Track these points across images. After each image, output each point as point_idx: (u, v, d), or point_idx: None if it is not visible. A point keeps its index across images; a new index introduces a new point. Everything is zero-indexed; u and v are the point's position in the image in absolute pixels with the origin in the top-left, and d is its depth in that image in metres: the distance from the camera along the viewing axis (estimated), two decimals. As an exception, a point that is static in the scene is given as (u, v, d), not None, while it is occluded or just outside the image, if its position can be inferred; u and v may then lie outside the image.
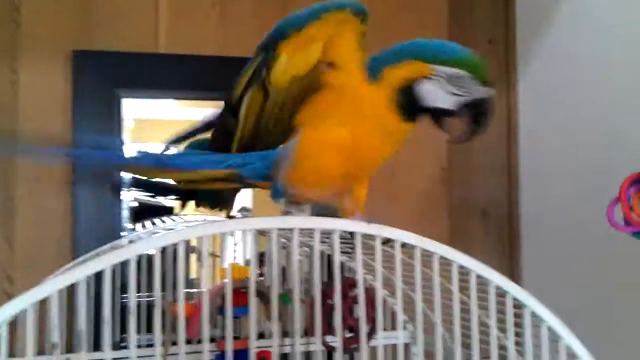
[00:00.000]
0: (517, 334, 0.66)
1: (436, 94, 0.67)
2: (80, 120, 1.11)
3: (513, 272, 1.29)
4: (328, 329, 0.75)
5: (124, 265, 0.51)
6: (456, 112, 0.67)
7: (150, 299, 1.01)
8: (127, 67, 1.13)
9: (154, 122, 1.24)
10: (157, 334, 0.54)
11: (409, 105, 0.67)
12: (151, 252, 0.52)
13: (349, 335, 0.81)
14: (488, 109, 0.68)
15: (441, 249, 0.65)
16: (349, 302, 0.79)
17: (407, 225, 0.92)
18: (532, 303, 0.64)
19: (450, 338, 0.67)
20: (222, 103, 0.74)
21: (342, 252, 0.80)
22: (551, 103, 1.20)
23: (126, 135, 1.16)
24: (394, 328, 1.02)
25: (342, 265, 0.95)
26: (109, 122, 1.12)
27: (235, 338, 0.64)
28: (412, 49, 0.68)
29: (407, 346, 1.07)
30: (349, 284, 0.78)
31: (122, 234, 1.12)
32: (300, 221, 0.59)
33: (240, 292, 0.67)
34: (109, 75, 1.12)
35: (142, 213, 1.18)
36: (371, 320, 0.73)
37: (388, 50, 0.71)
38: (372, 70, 0.69)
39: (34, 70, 1.12)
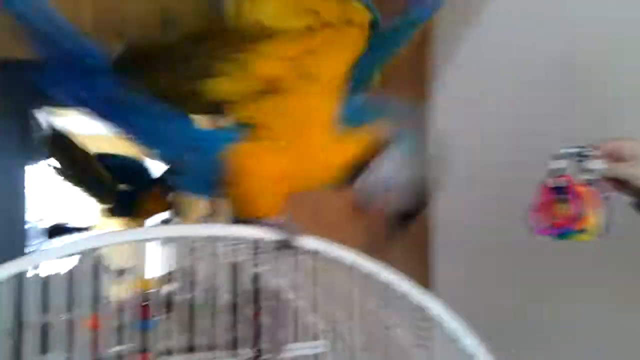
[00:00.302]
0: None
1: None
2: None
3: (427, 277, 1.33)
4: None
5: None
6: None
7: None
8: None
9: None
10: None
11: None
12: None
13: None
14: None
15: (350, 256, 0.67)
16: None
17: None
18: (445, 317, 0.67)
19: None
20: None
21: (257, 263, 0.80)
22: (460, 110, 1.26)
23: None
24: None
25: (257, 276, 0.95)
26: None
27: (144, 351, 0.63)
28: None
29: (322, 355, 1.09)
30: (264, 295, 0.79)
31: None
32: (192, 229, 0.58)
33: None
34: None
35: (57, 232, 1.14)
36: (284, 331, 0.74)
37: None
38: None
39: None
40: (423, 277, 1.31)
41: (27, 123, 1.07)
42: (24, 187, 1.00)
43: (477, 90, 1.19)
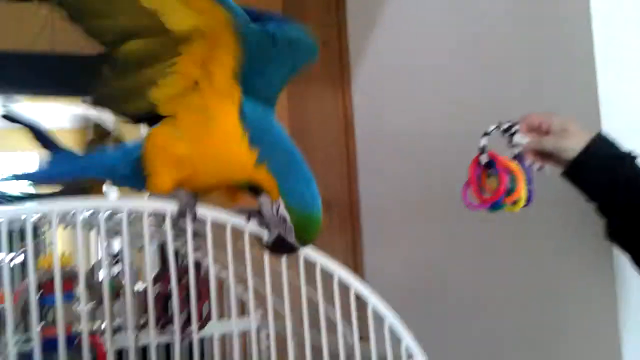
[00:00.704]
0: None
1: (270, 216, 0.69)
2: None
3: (356, 261, 1.38)
4: (164, 316, 0.76)
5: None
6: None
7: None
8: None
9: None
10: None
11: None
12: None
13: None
14: (286, 251, 0.71)
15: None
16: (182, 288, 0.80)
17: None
18: (373, 300, 0.73)
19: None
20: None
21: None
22: (383, 99, 1.30)
23: None
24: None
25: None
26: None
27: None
28: (276, 166, 0.69)
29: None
30: (184, 270, 0.80)
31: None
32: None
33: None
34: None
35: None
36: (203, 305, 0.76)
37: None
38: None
39: None
40: (353, 263, 1.36)
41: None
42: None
43: (396, 81, 1.23)
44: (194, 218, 0.68)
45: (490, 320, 1.01)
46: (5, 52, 1.12)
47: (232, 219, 0.69)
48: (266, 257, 0.72)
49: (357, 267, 1.38)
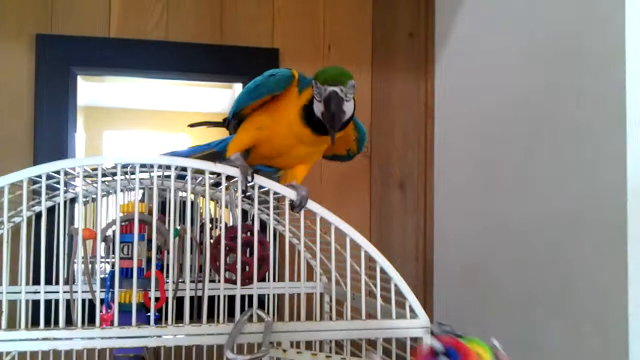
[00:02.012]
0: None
1: (315, 106, 0.83)
2: (42, 92, 1.27)
3: (426, 241, 1.46)
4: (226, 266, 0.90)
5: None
6: (322, 117, 0.83)
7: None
8: (82, 49, 1.29)
9: (106, 110, 1.40)
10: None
11: (311, 120, 0.85)
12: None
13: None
14: (331, 105, 0.81)
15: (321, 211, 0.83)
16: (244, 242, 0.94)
17: (333, 197, 1.10)
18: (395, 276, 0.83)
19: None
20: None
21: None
22: (463, 87, 1.35)
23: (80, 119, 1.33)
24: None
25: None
26: (65, 95, 1.28)
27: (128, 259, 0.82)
28: (312, 77, 0.85)
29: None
30: (247, 229, 0.94)
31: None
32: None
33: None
34: (66, 55, 1.28)
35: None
36: (261, 259, 0.89)
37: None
38: (302, 84, 0.87)
39: (3, 51, 1.28)
40: (423, 235, 1.45)
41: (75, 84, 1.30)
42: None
43: (476, 71, 1.26)
44: (251, 182, 0.83)
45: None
46: (127, 39, 1.33)
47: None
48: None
49: (426, 247, 1.46)
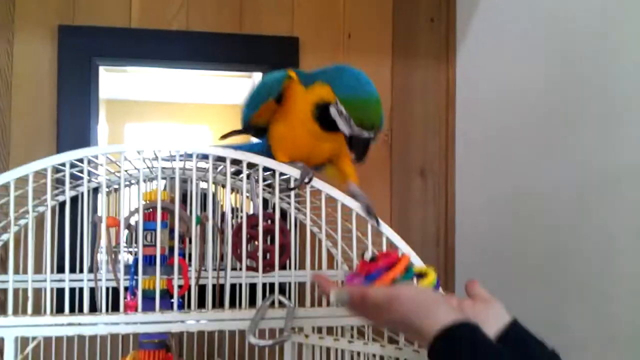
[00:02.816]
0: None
1: (337, 118, 0.83)
2: (64, 83, 1.28)
3: (447, 228, 1.46)
4: (247, 253, 0.91)
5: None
6: (349, 147, 0.85)
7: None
8: (104, 39, 1.29)
9: (128, 103, 1.42)
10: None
11: (323, 118, 0.85)
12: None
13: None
14: (360, 146, 0.84)
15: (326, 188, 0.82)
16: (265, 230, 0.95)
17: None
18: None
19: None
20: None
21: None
22: (484, 76, 1.34)
23: (102, 112, 1.34)
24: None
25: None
26: (87, 85, 1.29)
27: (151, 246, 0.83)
28: (330, 77, 0.86)
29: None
30: (267, 217, 0.94)
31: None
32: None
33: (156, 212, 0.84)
34: (88, 46, 1.29)
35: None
36: (282, 246, 0.89)
37: (320, 70, 0.89)
38: (307, 80, 0.88)
39: (26, 42, 1.29)
40: (444, 222, 1.44)
41: (97, 74, 1.31)
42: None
43: (498, 57, 1.25)
44: (308, 183, 0.84)
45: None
46: (148, 29, 1.34)
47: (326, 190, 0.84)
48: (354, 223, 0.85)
49: (447, 234, 1.46)
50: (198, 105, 1.41)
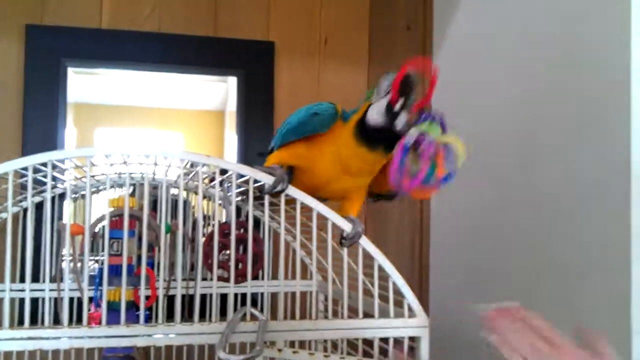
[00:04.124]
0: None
1: (373, 110, 0.76)
2: (31, 85, 1.24)
3: (422, 236, 1.45)
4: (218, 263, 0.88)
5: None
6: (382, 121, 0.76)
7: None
8: (73, 40, 1.26)
9: (99, 107, 1.38)
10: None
11: (365, 132, 0.78)
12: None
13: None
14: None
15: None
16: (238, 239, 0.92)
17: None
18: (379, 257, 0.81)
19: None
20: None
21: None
22: (460, 82, 1.33)
23: (71, 116, 1.30)
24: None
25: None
26: (55, 87, 1.25)
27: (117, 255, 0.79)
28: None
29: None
30: (240, 225, 0.91)
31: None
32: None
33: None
34: (56, 47, 1.25)
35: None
36: (255, 256, 0.86)
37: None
38: (345, 118, 0.82)
39: (-9, 41, 1.26)
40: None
41: (65, 76, 1.26)
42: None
43: (476, 65, 1.25)
44: (282, 191, 0.79)
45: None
46: (119, 31, 1.30)
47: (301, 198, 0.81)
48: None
49: (422, 244, 1.44)
50: (172, 111, 1.38)
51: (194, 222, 1.17)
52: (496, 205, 1.15)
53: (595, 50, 0.89)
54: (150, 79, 1.35)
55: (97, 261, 0.97)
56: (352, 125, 0.80)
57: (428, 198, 0.70)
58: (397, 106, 0.72)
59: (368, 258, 0.82)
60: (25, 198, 1.07)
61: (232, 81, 1.36)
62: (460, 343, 1.27)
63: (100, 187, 1.14)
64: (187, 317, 0.80)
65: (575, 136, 0.93)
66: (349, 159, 0.82)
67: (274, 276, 1.11)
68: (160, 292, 0.76)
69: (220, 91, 1.40)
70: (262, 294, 1.08)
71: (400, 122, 0.73)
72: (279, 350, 0.78)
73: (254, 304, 0.80)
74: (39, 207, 1.08)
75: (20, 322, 0.74)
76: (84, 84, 1.31)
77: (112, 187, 1.10)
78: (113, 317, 0.74)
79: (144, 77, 1.34)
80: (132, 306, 0.83)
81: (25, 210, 1.10)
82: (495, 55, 1.18)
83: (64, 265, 0.80)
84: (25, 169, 0.72)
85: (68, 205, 0.73)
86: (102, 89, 1.35)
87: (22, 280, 0.79)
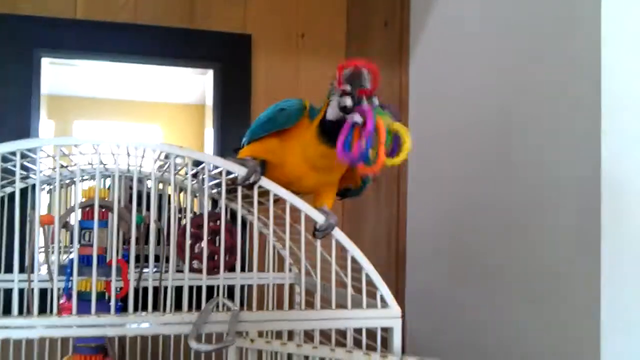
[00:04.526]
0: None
1: (329, 107, 0.76)
2: (3, 75, 1.22)
3: (399, 229, 1.46)
4: (192, 254, 0.88)
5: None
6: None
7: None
8: (47, 30, 1.24)
9: (77, 99, 1.36)
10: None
11: (325, 130, 0.78)
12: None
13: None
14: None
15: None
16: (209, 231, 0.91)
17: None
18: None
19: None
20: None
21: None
22: (438, 80, 1.34)
23: (46, 108, 1.28)
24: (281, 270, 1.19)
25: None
26: (28, 78, 1.23)
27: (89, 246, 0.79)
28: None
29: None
30: (215, 217, 0.91)
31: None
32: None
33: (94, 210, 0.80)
34: (29, 37, 1.23)
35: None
36: (230, 248, 0.86)
37: None
38: (312, 115, 0.83)
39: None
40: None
41: (39, 67, 1.25)
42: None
43: (453, 62, 1.25)
44: (255, 183, 0.79)
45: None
46: (94, 21, 1.29)
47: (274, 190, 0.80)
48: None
49: (399, 236, 1.45)
50: (150, 104, 1.37)
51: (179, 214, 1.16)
52: (473, 198, 1.16)
53: (576, 49, 0.90)
54: (129, 71, 1.34)
55: (67, 252, 0.96)
56: (315, 123, 0.81)
57: (375, 173, 0.71)
58: (348, 100, 0.73)
59: (343, 250, 0.82)
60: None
61: (210, 74, 1.35)
62: (437, 334, 1.29)
63: (75, 179, 1.13)
64: (161, 308, 0.80)
65: (552, 130, 0.94)
66: (314, 157, 0.82)
67: (250, 268, 1.12)
68: (131, 283, 0.76)
69: (199, 84, 1.39)
70: (235, 285, 1.08)
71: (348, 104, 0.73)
72: (252, 340, 0.78)
73: (231, 296, 0.79)
74: (11, 197, 1.07)
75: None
76: (61, 75, 1.30)
77: (89, 178, 1.09)
78: (85, 307, 0.73)
79: (122, 69, 1.33)
80: (104, 297, 0.82)
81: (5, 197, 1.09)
82: (471, 51, 1.19)
83: (35, 255, 0.79)
84: (13, 153, 0.71)
85: (37, 196, 0.72)
86: (80, 80, 1.34)
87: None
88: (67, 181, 1.14)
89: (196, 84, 1.39)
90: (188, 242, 0.80)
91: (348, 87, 0.73)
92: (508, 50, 1.06)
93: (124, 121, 1.36)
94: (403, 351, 0.80)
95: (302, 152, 0.83)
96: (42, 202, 1.18)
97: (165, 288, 0.80)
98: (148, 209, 1.10)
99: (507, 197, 1.05)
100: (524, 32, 1.02)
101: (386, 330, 0.82)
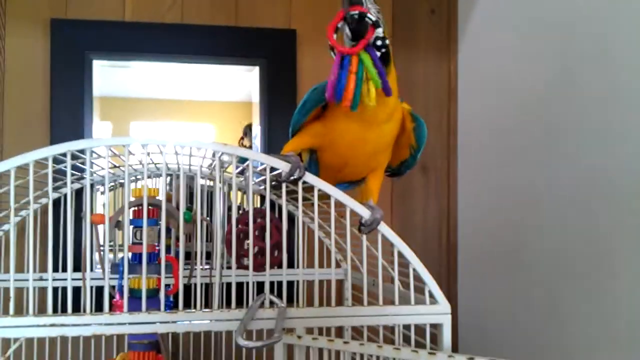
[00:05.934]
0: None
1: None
2: (57, 78, 1.26)
3: (449, 223, 1.42)
4: (241, 251, 0.88)
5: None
6: None
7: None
8: (97, 33, 1.27)
9: (133, 100, 1.39)
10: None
11: None
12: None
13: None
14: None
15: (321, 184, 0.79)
16: (257, 227, 0.91)
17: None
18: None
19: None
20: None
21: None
22: (487, 67, 1.31)
23: (106, 109, 1.32)
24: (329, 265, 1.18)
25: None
26: (81, 80, 1.26)
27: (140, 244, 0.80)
28: None
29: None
30: (262, 214, 0.91)
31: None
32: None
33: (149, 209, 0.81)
34: (81, 40, 1.26)
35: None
36: (276, 243, 0.86)
37: None
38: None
39: (18, 35, 1.27)
40: (447, 217, 1.41)
41: (90, 69, 1.28)
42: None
43: (501, 50, 1.22)
44: (299, 179, 0.78)
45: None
46: (142, 23, 1.32)
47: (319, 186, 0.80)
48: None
49: (450, 231, 1.42)
50: (202, 103, 1.39)
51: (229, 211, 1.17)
52: (526, 192, 1.13)
53: (623, 46, 0.86)
54: (179, 72, 1.36)
55: (120, 250, 0.98)
56: None
57: (348, 105, 0.73)
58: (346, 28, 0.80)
59: (390, 245, 0.81)
60: (56, 188, 1.09)
61: (256, 70, 1.35)
62: (491, 332, 1.26)
63: (139, 177, 1.16)
64: (210, 305, 0.81)
65: (602, 119, 0.90)
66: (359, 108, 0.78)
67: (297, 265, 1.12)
68: (180, 280, 0.77)
69: (247, 82, 1.40)
70: (290, 282, 1.08)
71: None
72: (299, 337, 0.77)
73: (280, 292, 0.79)
74: (57, 200, 1.10)
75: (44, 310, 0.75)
76: (117, 77, 1.33)
77: (142, 178, 1.11)
78: (137, 305, 0.75)
79: (172, 70, 1.35)
80: (157, 294, 0.84)
81: (62, 198, 1.12)
82: (519, 40, 1.15)
83: (88, 254, 0.81)
84: (46, 159, 0.73)
85: (86, 194, 0.74)
86: (134, 82, 1.36)
87: (44, 270, 0.80)
88: (122, 181, 1.17)
89: (244, 82, 1.40)
90: (234, 238, 0.81)
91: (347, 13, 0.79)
92: (557, 39, 1.02)
93: (177, 121, 1.38)
94: (454, 349, 0.78)
95: (346, 115, 0.82)
96: (98, 202, 1.22)
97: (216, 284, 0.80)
98: (207, 210, 1.12)
99: (561, 191, 1.01)
100: (574, 24, 0.98)
101: (436, 327, 0.80)
